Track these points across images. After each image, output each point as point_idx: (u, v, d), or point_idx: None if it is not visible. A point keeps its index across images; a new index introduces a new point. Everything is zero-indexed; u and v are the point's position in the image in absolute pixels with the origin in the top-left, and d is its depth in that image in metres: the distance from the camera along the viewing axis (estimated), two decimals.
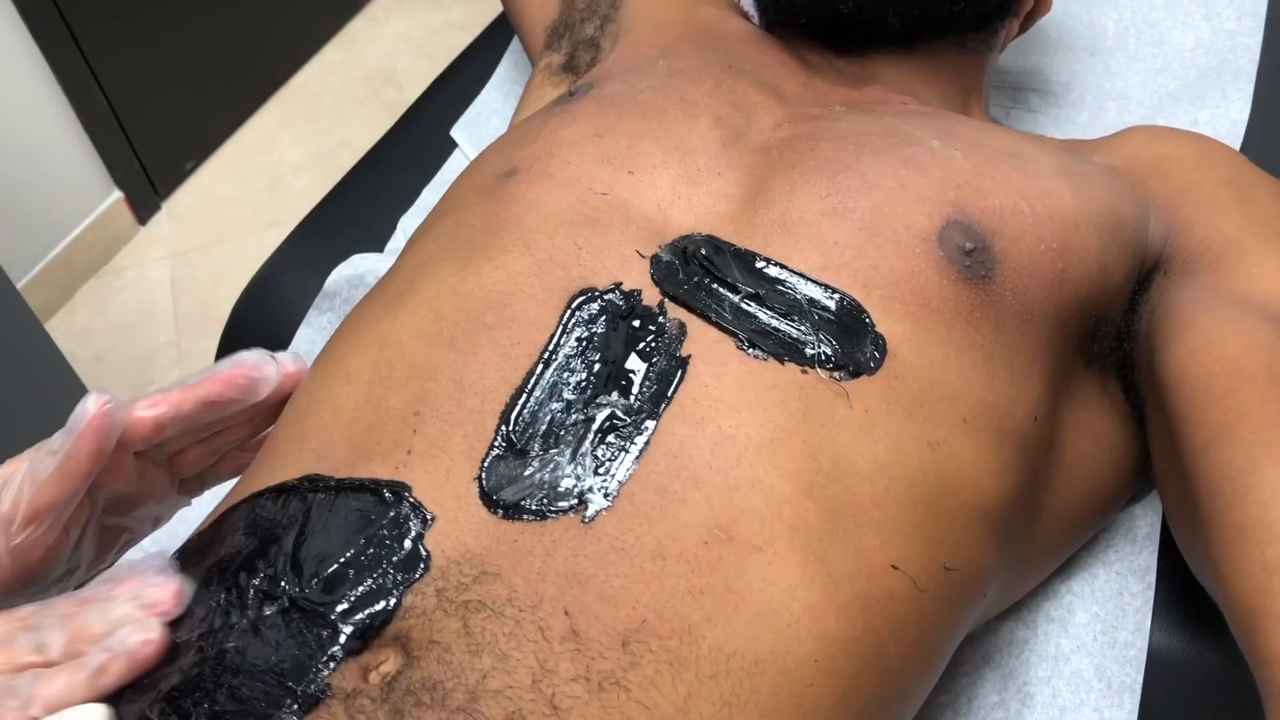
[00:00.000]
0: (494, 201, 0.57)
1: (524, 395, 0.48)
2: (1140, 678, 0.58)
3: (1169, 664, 0.60)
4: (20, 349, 1.30)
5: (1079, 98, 0.86)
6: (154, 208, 2.00)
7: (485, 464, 0.46)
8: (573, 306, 0.50)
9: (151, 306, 1.89)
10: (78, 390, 1.39)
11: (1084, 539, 0.62)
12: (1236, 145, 0.78)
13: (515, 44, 0.98)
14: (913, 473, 0.48)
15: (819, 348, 0.49)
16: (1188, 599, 0.61)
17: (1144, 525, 0.63)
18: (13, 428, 1.30)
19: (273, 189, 2.05)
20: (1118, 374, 0.59)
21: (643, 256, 0.52)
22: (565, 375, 0.48)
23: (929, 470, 0.48)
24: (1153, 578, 0.61)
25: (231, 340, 0.88)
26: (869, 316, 0.50)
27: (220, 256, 1.95)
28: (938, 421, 0.49)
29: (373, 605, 0.43)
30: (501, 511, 0.45)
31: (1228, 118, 0.79)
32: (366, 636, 0.43)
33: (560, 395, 0.48)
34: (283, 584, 0.45)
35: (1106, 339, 0.58)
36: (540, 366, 0.49)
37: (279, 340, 0.82)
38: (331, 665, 0.42)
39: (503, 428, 0.47)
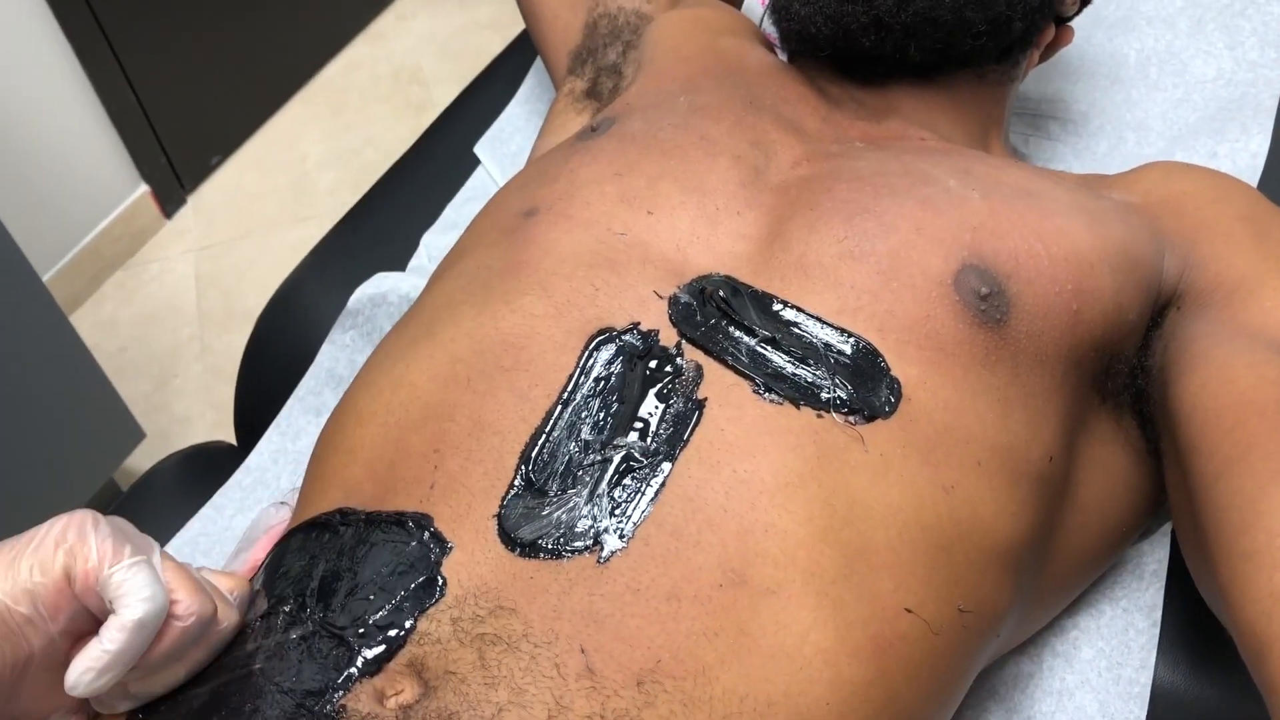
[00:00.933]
0: (513, 242, 0.58)
1: (543, 436, 0.49)
2: (1144, 714, 0.59)
3: (1172, 701, 0.60)
4: (45, 341, 1.31)
5: (1098, 127, 0.86)
6: (179, 202, 2.02)
7: (504, 502, 0.47)
8: (590, 347, 0.51)
9: (176, 300, 1.91)
10: (101, 382, 1.41)
11: (1096, 575, 0.62)
12: (1255, 179, 0.78)
13: (540, 60, 0.99)
14: (927, 516, 0.48)
15: (834, 392, 0.49)
16: (1193, 636, 0.62)
17: (1151, 562, 0.63)
18: (36, 419, 1.32)
19: (297, 185, 2.06)
20: (1131, 409, 0.60)
21: (660, 297, 0.53)
22: (583, 415, 0.49)
23: (944, 513, 0.49)
24: (1158, 615, 0.62)
25: (256, 354, 0.89)
26: (884, 360, 0.51)
27: (244, 251, 1.97)
28: (953, 465, 0.50)
29: (388, 629, 0.45)
30: (519, 549, 0.46)
31: (1247, 151, 0.79)
32: (381, 659, 0.44)
33: (578, 436, 0.49)
34: (308, 610, 0.46)
35: (1120, 375, 0.59)
36: (558, 407, 0.50)
37: (302, 355, 0.83)
38: (348, 687, 0.44)
39: (522, 467, 0.48)
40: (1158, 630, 0.61)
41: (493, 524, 0.47)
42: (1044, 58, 0.74)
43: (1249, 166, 0.79)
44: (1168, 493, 0.58)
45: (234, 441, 0.92)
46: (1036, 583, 0.55)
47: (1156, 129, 0.84)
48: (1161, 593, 0.62)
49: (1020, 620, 0.56)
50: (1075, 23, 0.74)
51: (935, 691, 0.49)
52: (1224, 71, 0.85)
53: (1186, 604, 0.62)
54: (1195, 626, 0.62)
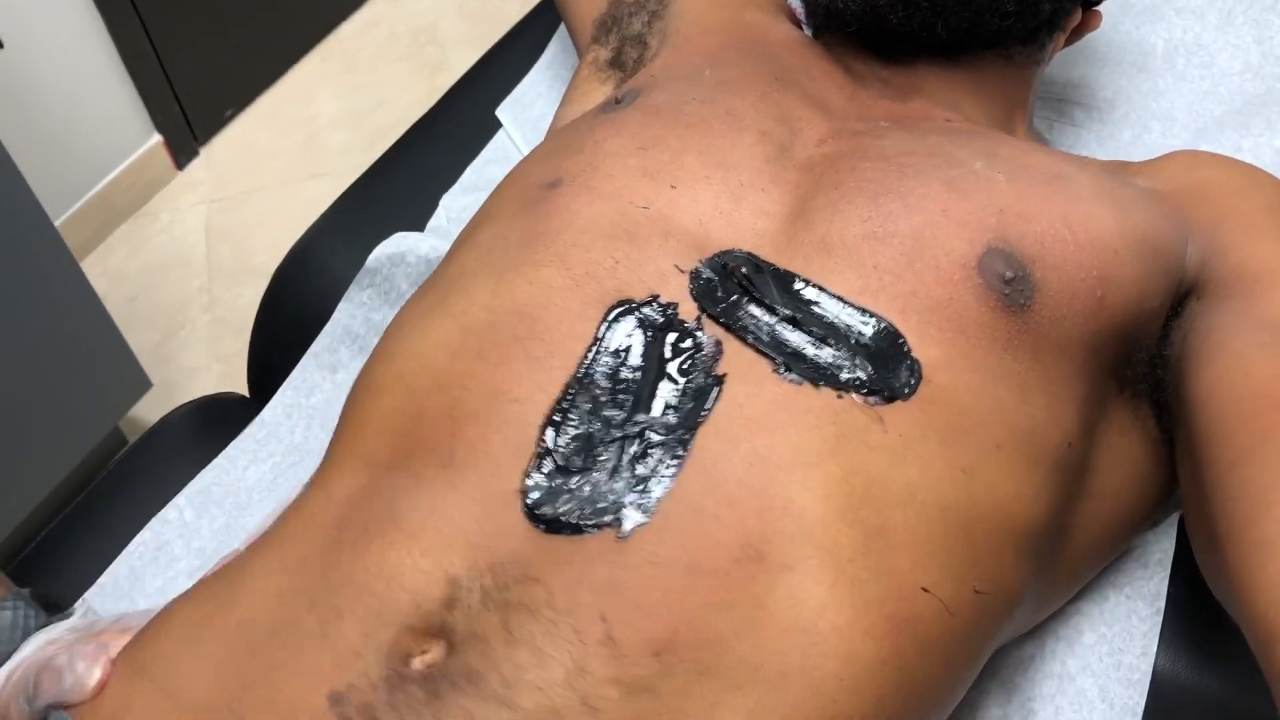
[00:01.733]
0: (534, 214, 0.58)
1: (563, 408, 0.49)
2: (1143, 701, 0.60)
3: (1172, 689, 0.61)
4: (56, 286, 1.31)
5: (1123, 115, 0.86)
6: (192, 153, 2.02)
7: (528, 477, 0.48)
8: (609, 317, 0.52)
9: (185, 252, 1.91)
10: (111, 331, 1.41)
11: (1107, 562, 0.63)
12: (1278, 175, 0.78)
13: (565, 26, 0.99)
14: (945, 498, 0.49)
15: (854, 373, 0.50)
16: (1195, 627, 0.63)
17: (1156, 552, 0.64)
18: (44, 365, 1.32)
19: (309, 142, 2.06)
20: (1149, 398, 0.60)
21: (681, 271, 0.53)
22: (603, 387, 0.50)
23: (962, 495, 0.49)
24: (1162, 603, 0.62)
25: (272, 307, 0.89)
26: (906, 342, 0.51)
27: (255, 206, 1.97)
28: (971, 447, 0.50)
29: None
30: (543, 525, 0.47)
31: (1271, 146, 0.79)
32: None
33: (599, 411, 0.49)
34: None
35: (1139, 364, 0.59)
36: (578, 379, 0.50)
37: (318, 311, 0.83)
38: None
39: (544, 441, 0.49)
40: (1160, 619, 0.62)
41: (517, 497, 0.48)
42: (1070, 42, 0.74)
43: (1273, 162, 0.78)
44: (1179, 481, 0.58)
45: (244, 393, 0.92)
46: (1051, 567, 0.56)
47: (1182, 120, 0.84)
48: (1166, 582, 0.63)
49: (1035, 605, 0.57)
50: (1103, 9, 0.74)
51: (948, 671, 0.49)
52: (1251, 65, 0.85)
53: (1190, 594, 0.62)
54: (1198, 616, 0.63)
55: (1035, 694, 0.61)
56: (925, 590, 0.47)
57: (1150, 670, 0.60)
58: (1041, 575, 0.54)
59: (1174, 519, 0.65)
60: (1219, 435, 0.50)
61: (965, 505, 0.49)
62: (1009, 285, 0.53)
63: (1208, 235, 0.60)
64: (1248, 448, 0.48)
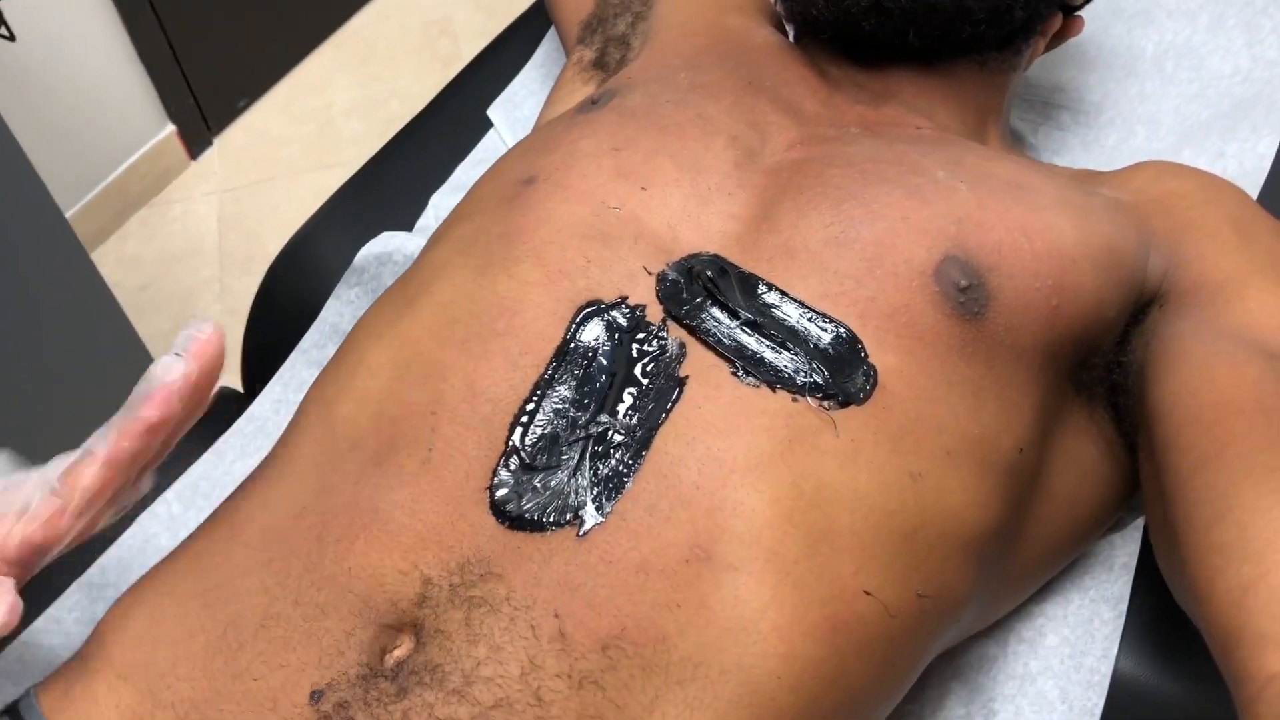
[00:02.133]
0: (512, 209, 0.59)
1: (531, 408, 0.51)
2: (1101, 703, 0.60)
3: (1132, 692, 0.62)
4: (66, 276, 1.33)
5: (1110, 119, 0.86)
6: (205, 143, 2.04)
7: (495, 475, 0.49)
8: (578, 319, 0.53)
9: (198, 241, 1.93)
10: (120, 319, 1.43)
11: (1062, 566, 0.63)
12: (1260, 180, 0.78)
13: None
14: (893, 502, 0.50)
15: (810, 377, 0.51)
16: (1157, 630, 0.63)
17: (1122, 555, 0.64)
18: (54, 353, 1.34)
19: (322, 132, 2.07)
20: (1105, 401, 0.60)
21: (649, 273, 0.54)
22: (569, 389, 0.51)
23: (909, 501, 0.50)
24: (1124, 607, 0.63)
25: (265, 302, 0.91)
26: (864, 348, 0.52)
27: (268, 195, 1.99)
28: (922, 453, 0.51)
29: None
30: (508, 522, 0.48)
31: (1255, 152, 0.79)
32: None
33: (565, 412, 0.50)
34: None
35: (1096, 369, 0.60)
36: (546, 380, 0.51)
37: (309, 307, 0.85)
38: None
39: (512, 440, 0.50)
40: (1122, 622, 0.62)
41: (485, 495, 0.49)
42: (1050, 47, 0.74)
43: (1256, 168, 0.78)
44: (1142, 486, 0.59)
45: (238, 387, 0.94)
46: (1001, 571, 0.56)
47: (1167, 124, 0.84)
48: (1129, 586, 0.63)
49: (982, 607, 0.58)
50: (1096, 13, 0.74)
51: (887, 672, 0.50)
52: (1241, 69, 0.85)
53: (1152, 598, 0.63)
54: (1159, 620, 0.63)
55: (997, 694, 0.62)
56: (867, 593, 0.48)
57: (1110, 672, 0.61)
58: (990, 579, 0.55)
59: (1139, 523, 0.65)
60: (1181, 442, 0.51)
61: (913, 510, 0.50)
62: (964, 294, 0.53)
63: (1171, 246, 0.60)
64: (1210, 454, 0.49)
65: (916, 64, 0.68)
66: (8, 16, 1.29)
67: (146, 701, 0.50)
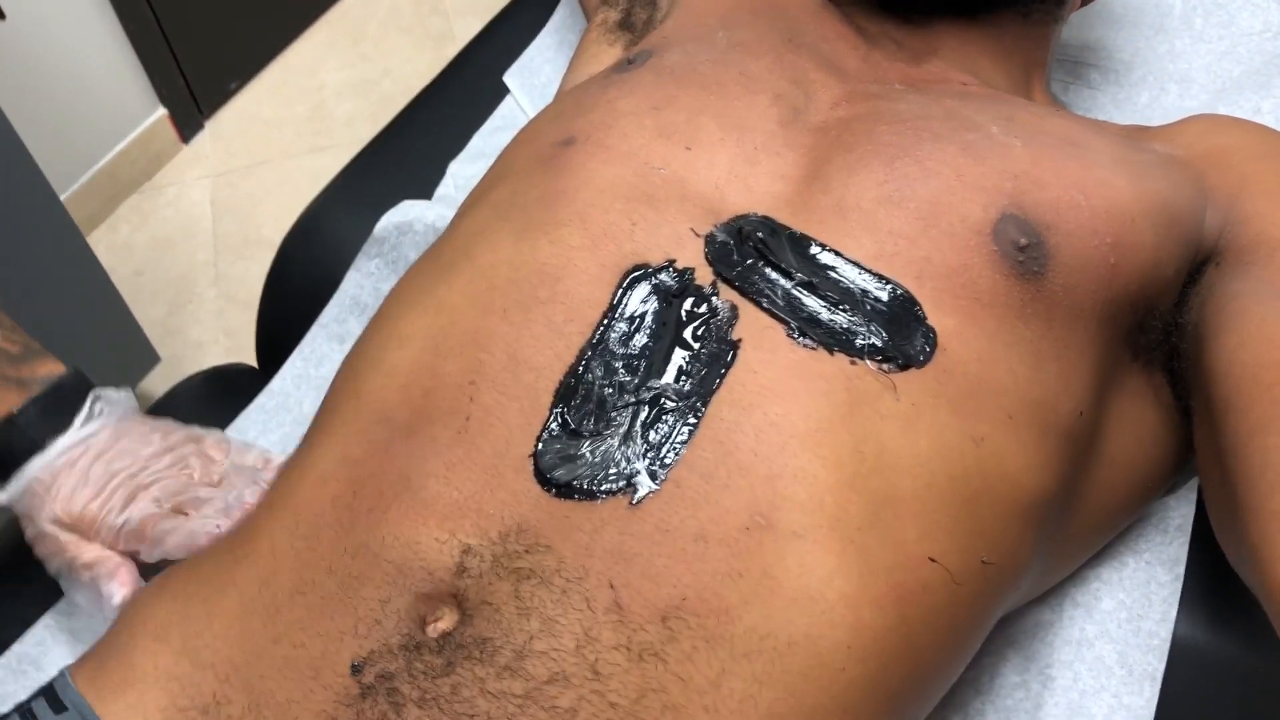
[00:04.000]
0: (550, 171, 0.57)
1: (577, 374, 0.49)
2: (1162, 667, 0.59)
3: (1191, 655, 0.61)
4: (63, 261, 1.31)
5: (1141, 77, 0.84)
6: (197, 126, 2.01)
7: (540, 442, 0.48)
8: (625, 284, 0.51)
9: (191, 225, 1.91)
10: (117, 304, 1.41)
11: (1118, 530, 0.62)
12: None
13: None
14: (955, 467, 0.48)
15: (869, 339, 0.49)
16: (1214, 592, 0.62)
17: (1176, 517, 0.63)
18: (52, 339, 1.32)
19: (315, 113, 2.05)
20: (1163, 366, 0.59)
21: (697, 235, 0.53)
22: (617, 354, 0.49)
23: (971, 465, 0.49)
24: (1181, 569, 0.62)
25: (279, 278, 0.89)
26: (921, 309, 0.50)
27: (260, 178, 1.96)
28: (983, 417, 0.49)
29: None
30: (555, 490, 0.47)
31: None
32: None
33: (613, 376, 0.49)
34: None
35: (1154, 331, 0.58)
36: (592, 345, 0.49)
37: (326, 281, 0.83)
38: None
39: (558, 407, 0.48)
40: (1180, 584, 0.61)
41: (529, 463, 0.47)
42: (1087, 0, 0.73)
43: None
44: (1195, 451, 0.58)
45: (253, 364, 0.92)
46: (1060, 536, 0.55)
47: (1200, 81, 0.83)
48: (1185, 547, 0.62)
49: (1042, 573, 0.56)
50: None
51: (953, 641, 0.49)
52: (1272, 24, 0.84)
53: (1209, 560, 0.62)
54: (1217, 582, 0.62)
55: (1054, 660, 0.61)
56: (932, 560, 0.47)
57: (1170, 636, 0.60)
58: (1050, 544, 0.54)
59: (1194, 484, 0.64)
60: (1239, 403, 0.49)
61: (974, 475, 0.48)
62: (1023, 252, 0.52)
63: (1227, 202, 0.59)
64: (1270, 416, 0.47)
65: (958, 18, 0.66)
66: None
67: (185, 662, 0.48)
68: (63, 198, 1.76)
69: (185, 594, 0.51)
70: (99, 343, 1.42)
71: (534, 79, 0.92)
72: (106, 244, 1.87)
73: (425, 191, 0.86)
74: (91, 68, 1.75)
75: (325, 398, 0.56)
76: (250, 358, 0.93)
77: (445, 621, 0.45)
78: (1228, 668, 0.61)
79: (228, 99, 2.06)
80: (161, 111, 1.91)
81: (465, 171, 0.86)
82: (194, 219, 1.91)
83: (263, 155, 1.99)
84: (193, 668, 0.48)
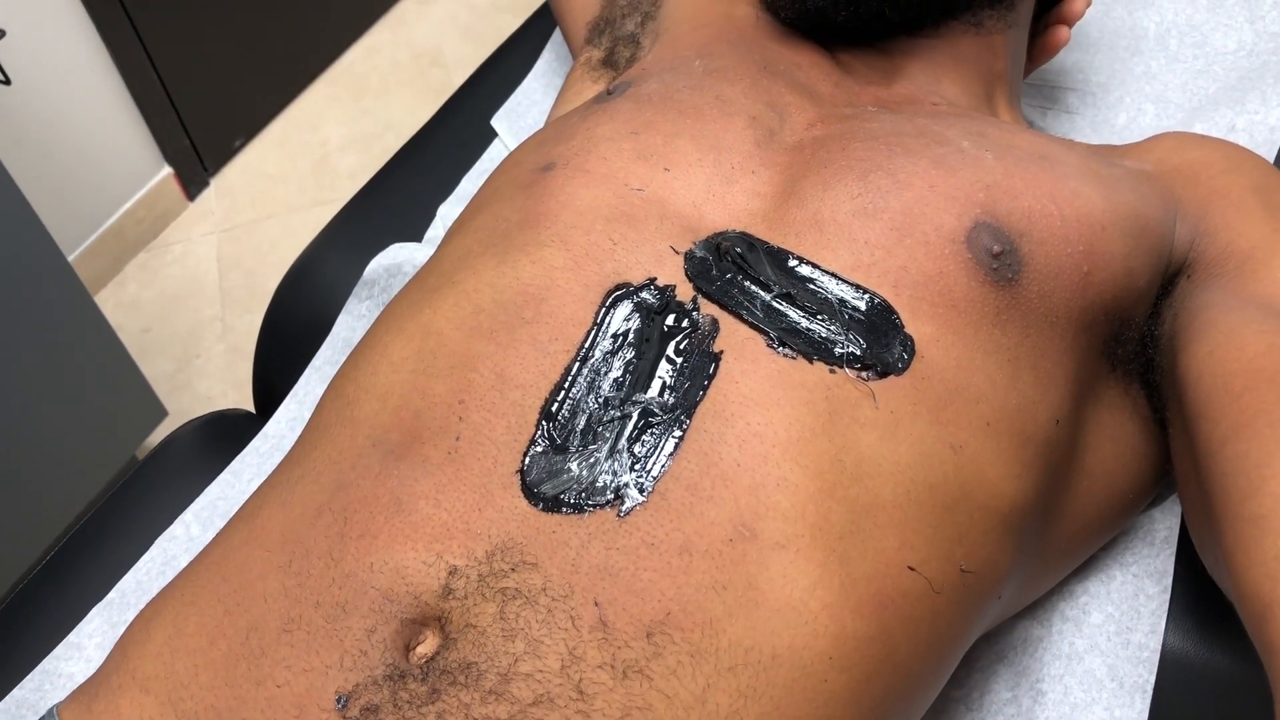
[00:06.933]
0: (531, 196, 0.58)
1: (563, 391, 0.49)
2: (1152, 679, 0.59)
3: (1182, 666, 0.61)
4: (70, 320, 1.33)
5: (1117, 99, 0.86)
6: (202, 184, 2.04)
7: (527, 458, 0.48)
8: (607, 302, 0.52)
9: (198, 281, 1.93)
10: (125, 361, 1.43)
11: (1101, 542, 0.62)
12: (1274, 151, 0.78)
13: (558, 34, 1.00)
14: (934, 475, 0.48)
15: (848, 347, 0.50)
16: (1203, 603, 0.62)
17: (1162, 529, 0.63)
18: (60, 397, 1.33)
19: (319, 168, 2.08)
20: (1140, 378, 0.60)
21: (677, 252, 0.54)
22: (602, 371, 0.50)
23: (950, 473, 0.49)
24: (1169, 581, 0.62)
25: (274, 323, 0.90)
26: (898, 317, 0.51)
27: (266, 233, 1.99)
28: (961, 424, 0.50)
29: None
30: (542, 504, 0.47)
31: (1266, 124, 0.79)
32: None
33: (598, 391, 0.49)
34: None
35: (1130, 343, 0.59)
36: (577, 363, 0.50)
37: (319, 325, 0.84)
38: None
39: (544, 423, 0.49)
40: (1168, 596, 0.61)
41: (516, 480, 0.48)
42: (1060, 17, 0.74)
43: (1267, 140, 0.78)
44: (1173, 461, 0.58)
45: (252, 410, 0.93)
46: (1040, 546, 0.55)
47: (1176, 101, 0.84)
48: (1172, 559, 0.62)
49: (1023, 584, 0.56)
50: None
51: (934, 649, 0.49)
52: (1245, 44, 0.85)
53: (1198, 572, 0.62)
54: (1206, 594, 0.62)
55: (1044, 674, 0.61)
56: (912, 569, 0.47)
57: (1159, 648, 0.60)
58: (1030, 554, 0.54)
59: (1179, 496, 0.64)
60: (1211, 411, 0.50)
61: (953, 483, 0.49)
62: (997, 259, 0.53)
63: (1196, 215, 0.60)
64: (1240, 423, 0.48)
65: (911, 36, 0.68)
66: (2, 61, 1.29)
67: (169, 713, 0.48)
68: (71, 257, 1.79)
69: (173, 647, 0.50)
70: (107, 399, 1.43)
71: (521, 121, 0.94)
72: (114, 302, 1.89)
73: (415, 234, 0.88)
74: (97, 129, 1.78)
75: (310, 425, 0.56)
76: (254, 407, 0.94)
77: (428, 646, 0.45)
78: (1218, 678, 0.60)
79: (232, 156, 2.09)
80: (167, 170, 1.95)
81: (453, 213, 0.88)
82: (201, 275, 1.94)
83: (268, 210, 2.02)
84: (176, 718, 0.48)
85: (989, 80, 0.70)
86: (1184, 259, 0.60)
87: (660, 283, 0.53)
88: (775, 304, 0.51)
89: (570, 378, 0.50)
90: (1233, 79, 0.83)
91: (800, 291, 0.51)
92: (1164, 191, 0.61)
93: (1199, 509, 0.51)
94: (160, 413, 1.53)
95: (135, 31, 1.76)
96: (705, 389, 0.49)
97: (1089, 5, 0.75)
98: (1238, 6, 0.87)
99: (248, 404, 1.78)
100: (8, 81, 1.29)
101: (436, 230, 0.87)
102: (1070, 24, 0.75)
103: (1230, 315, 0.53)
